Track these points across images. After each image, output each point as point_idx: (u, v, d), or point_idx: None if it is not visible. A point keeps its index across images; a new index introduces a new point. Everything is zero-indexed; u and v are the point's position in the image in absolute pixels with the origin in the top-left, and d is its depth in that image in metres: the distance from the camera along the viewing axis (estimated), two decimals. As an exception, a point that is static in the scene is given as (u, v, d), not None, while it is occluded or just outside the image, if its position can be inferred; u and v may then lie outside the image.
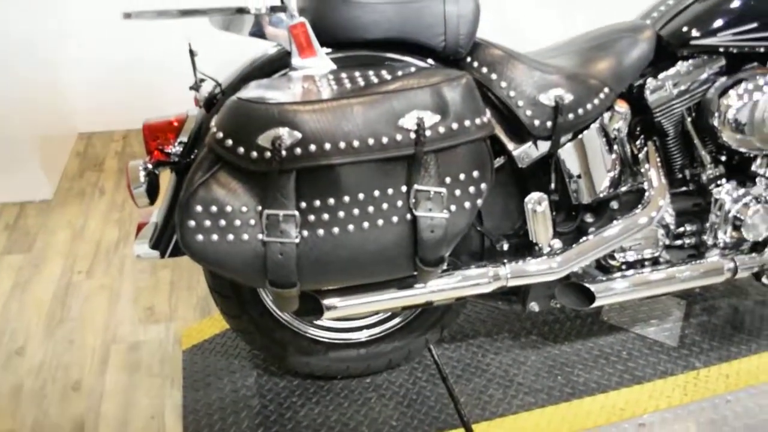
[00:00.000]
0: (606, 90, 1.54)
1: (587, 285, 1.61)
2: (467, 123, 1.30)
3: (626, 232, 1.60)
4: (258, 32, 1.46)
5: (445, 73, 1.35)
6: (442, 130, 1.28)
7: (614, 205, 1.69)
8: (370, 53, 1.48)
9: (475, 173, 1.33)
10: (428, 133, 1.27)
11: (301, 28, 1.41)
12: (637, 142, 1.70)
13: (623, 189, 1.67)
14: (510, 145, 1.54)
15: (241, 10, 1.44)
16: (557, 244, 1.62)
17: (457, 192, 1.31)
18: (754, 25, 1.60)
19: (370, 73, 1.36)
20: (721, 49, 1.63)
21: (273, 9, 1.45)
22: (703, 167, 1.74)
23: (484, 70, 1.50)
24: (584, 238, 1.61)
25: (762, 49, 1.64)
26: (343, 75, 1.35)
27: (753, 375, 1.84)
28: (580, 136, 1.59)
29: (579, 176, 1.62)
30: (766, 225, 1.73)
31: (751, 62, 1.68)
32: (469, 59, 1.51)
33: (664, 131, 1.70)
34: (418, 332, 1.74)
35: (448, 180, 1.31)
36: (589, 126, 1.58)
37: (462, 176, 1.32)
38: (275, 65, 1.48)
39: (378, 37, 1.44)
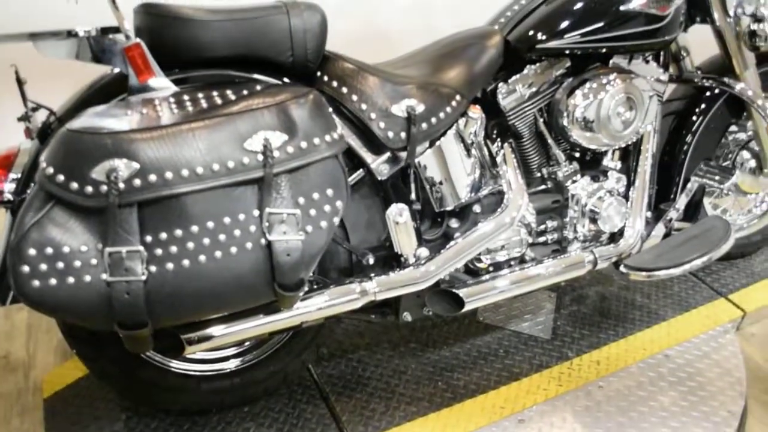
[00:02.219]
0: (458, 97, 1.56)
1: (456, 291, 1.62)
2: (317, 141, 1.27)
3: (489, 235, 1.63)
4: (91, 56, 1.37)
5: (292, 91, 1.31)
6: (291, 149, 1.25)
7: (476, 208, 1.71)
8: (216, 72, 1.42)
9: (330, 191, 1.30)
10: (276, 153, 1.23)
11: (137, 49, 1.33)
12: (495, 145, 1.73)
13: (484, 192, 1.70)
14: (367, 158, 1.53)
15: (71, 34, 1.34)
16: (424, 252, 1.62)
17: (312, 212, 1.28)
18: (595, 27, 1.67)
19: (214, 93, 1.30)
20: (567, 51, 1.69)
21: (105, 30, 1.36)
22: (558, 165, 1.80)
23: (335, 84, 1.47)
24: (450, 244, 1.62)
25: (604, 50, 1.71)
26: (186, 97, 1.29)
27: (622, 359, 1.93)
28: (437, 143, 1.60)
29: (440, 183, 1.63)
30: (620, 216, 1.81)
31: (594, 63, 1.75)
32: (319, 73, 1.48)
33: (519, 133, 1.74)
34: (294, 354, 1.69)
35: (301, 200, 1.27)
36: (445, 133, 1.60)
37: (316, 195, 1.28)
38: (113, 89, 1.39)
39: (221, 55, 1.38)
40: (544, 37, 1.66)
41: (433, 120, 1.52)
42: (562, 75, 1.73)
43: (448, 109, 1.54)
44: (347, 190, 1.32)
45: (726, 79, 1.92)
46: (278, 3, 1.42)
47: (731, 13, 1.87)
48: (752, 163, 2.19)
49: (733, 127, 2.17)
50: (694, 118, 2.07)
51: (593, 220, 1.79)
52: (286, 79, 1.45)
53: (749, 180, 2.19)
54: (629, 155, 1.90)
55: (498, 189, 1.70)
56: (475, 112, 1.62)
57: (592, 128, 1.69)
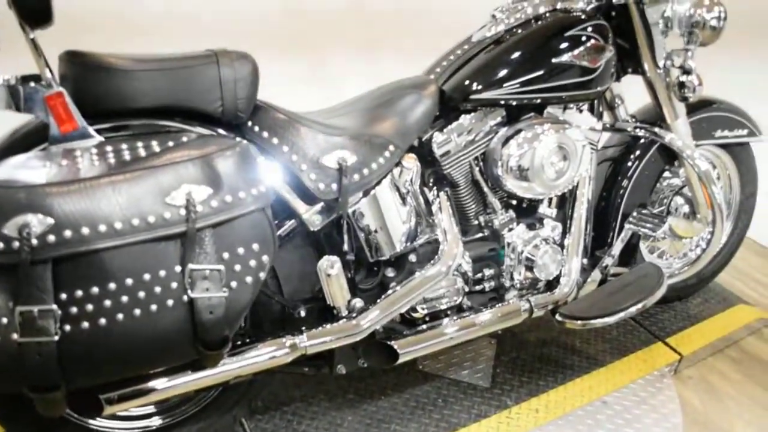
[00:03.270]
0: (391, 147, 1.56)
1: (390, 343, 1.60)
2: (242, 194, 1.25)
3: (424, 285, 1.62)
4: (10, 105, 1.32)
5: (219, 143, 1.29)
6: (215, 204, 1.22)
7: (412, 258, 1.70)
8: (144, 122, 1.39)
9: (255, 246, 1.27)
10: (200, 208, 1.20)
11: (59, 98, 1.29)
12: (431, 194, 1.74)
13: (420, 241, 1.69)
14: (300, 209, 1.51)
15: (-11, 82, 1.30)
16: (359, 303, 1.60)
17: (237, 267, 1.25)
18: (529, 78, 1.70)
19: (139, 145, 1.27)
20: (502, 102, 1.71)
21: (26, 78, 1.32)
22: (495, 213, 1.81)
23: (265, 134, 1.45)
24: (384, 295, 1.60)
25: (539, 100, 1.74)
26: (109, 148, 1.25)
27: (560, 406, 1.92)
28: (372, 192, 1.59)
29: (376, 232, 1.62)
30: (555, 264, 1.82)
31: (529, 113, 1.78)
32: (250, 123, 1.47)
33: (455, 182, 1.75)
34: (224, 409, 1.64)
35: (226, 255, 1.24)
36: (380, 182, 1.59)
37: (241, 250, 1.26)
38: (34, 139, 1.35)
39: (148, 105, 1.35)
40: (479, 88, 1.68)
41: (366, 171, 1.51)
42: (497, 124, 1.75)
43: (381, 160, 1.53)
44: (275, 244, 1.30)
45: (657, 129, 1.96)
46: (208, 52, 1.40)
47: (660, 64, 1.92)
48: (686, 209, 2.24)
49: (668, 173, 2.22)
50: (629, 164, 2.11)
51: (529, 268, 1.80)
52: (221, 130, 1.43)
53: (683, 225, 2.24)
54: (565, 203, 1.92)
55: (434, 238, 1.70)
56: (410, 161, 1.62)
57: (527, 178, 1.71)
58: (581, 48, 1.71)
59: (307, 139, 1.46)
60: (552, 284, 1.86)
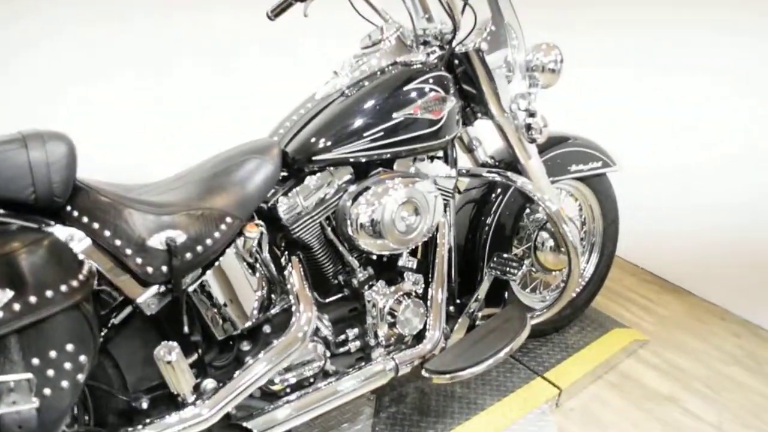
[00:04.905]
0: (228, 219, 1.49)
1: (245, 425, 1.52)
2: (49, 293, 1.15)
3: (277, 358, 1.55)
4: None
5: (23, 238, 1.19)
6: (17, 307, 1.12)
7: (267, 329, 1.63)
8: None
9: (70, 347, 1.17)
10: (0, 314, 1.09)
11: None
12: (283, 259, 1.68)
13: (274, 310, 1.63)
14: (133, 294, 1.41)
15: None
16: (210, 384, 1.52)
17: (50, 372, 1.15)
18: (372, 135, 1.67)
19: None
20: (351, 159, 1.68)
21: None
22: (353, 272, 1.77)
23: (85, 219, 1.36)
24: (235, 373, 1.53)
25: (385, 156, 1.72)
26: None
27: (441, 458, 1.89)
28: (215, 266, 1.52)
29: (225, 306, 1.55)
30: (418, 318, 1.80)
31: (376, 168, 1.76)
32: (69, 208, 1.36)
33: (308, 244, 1.70)
34: None
35: (35, 362, 1.13)
36: (222, 254, 1.52)
37: (53, 353, 1.16)
38: None
39: None
40: (321, 147, 1.64)
41: (199, 248, 1.43)
42: (346, 182, 1.72)
43: (217, 234, 1.46)
44: (95, 341, 1.21)
45: (509, 174, 1.99)
46: (16, 136, 1.29)
47: (507, 108, 1.95)
48: (552, 242, 2.27)
49: (529, 210, 2.25)
50: (491, 205, 2.13)
51: (392, 325, 1.77)
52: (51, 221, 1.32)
53: (551, 258, 2.27)
54: (427, 252, 1.91)
55: (289, 305, 1.64)
56: (252, 231, 1.56)
57: (379, 234, 1.67)
58: (421, 100, 1.71)
59: (131, 221, 1.38)
60: (419, 338, 1.83)
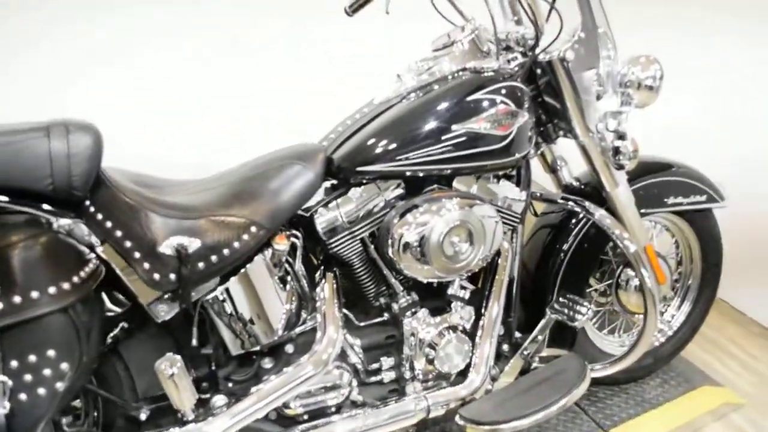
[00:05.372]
0: (253, 229, 1.37)
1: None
2: (35, 294, 1.08)
3: (294, 382, 1.42)
4: None
5: (23, 232, 1.13)
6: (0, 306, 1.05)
7: (290, 348, 1.51)
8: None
9: (52, 353, 1.09)
10: None
11: None
12: (318, 274, 1.55)
13: (299, 329, 1.50)
14: (144, 299, 1.32)
15: None
16: (220, 401, 1.41)
17: (27, 377, 1.08)
18: (427, 149, 1.50)
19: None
20: (403, 173, 1.52)
21: None
22: (395, 296, 1.61)
23: (100, 216, 1.28)
24: (250, 392, 1.41)
25: (447, 171, 1.54)
26: None
27: None
28: (244, 273, 1.41)
29: (250, 318, 1.43)
30: (462, 355, 1.61)
31: (431, 185, 1.58)
32: (87, 203, 1.29)
33: (346, 261, 1.55)
34: None
35: (14, 364, 1.06)
36: (243, 266, 1.40)
37: (33, 358, 1.08)
38: None
39: None
40: (368, 158, 1.49)
41: (214, 257, 1.32)
42: (395, 198, 1.55)
43: (237, 244, 1.34)
44: (80, 349, 1.12)
45: (587, 204, 1.75)
46: (41, 124, 1.23)
47: (593, 128, 1.71)
48: (636, 282, 2.00)
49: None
50: (567, 234, 1.89)
51: (430, 360, 1.59)
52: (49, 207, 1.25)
53: (635, 299, 2.00)
54: (485, 282, 1.71)
55: (316, 325, 1.50)
56: (281, 243, 1.43)
57: (423, 259, 1.50)
58: (487, 113, 1.51)
59: (146, 223, 1.28)
60: (461, 377, 1.64)
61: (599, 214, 1.72)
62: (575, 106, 1.67)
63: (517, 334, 1.84)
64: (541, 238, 1.97)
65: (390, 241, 1.49)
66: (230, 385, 1.48)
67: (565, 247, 1.89)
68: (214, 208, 1.37)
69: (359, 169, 1.48)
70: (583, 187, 1.92)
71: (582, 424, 2.00)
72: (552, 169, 1.94)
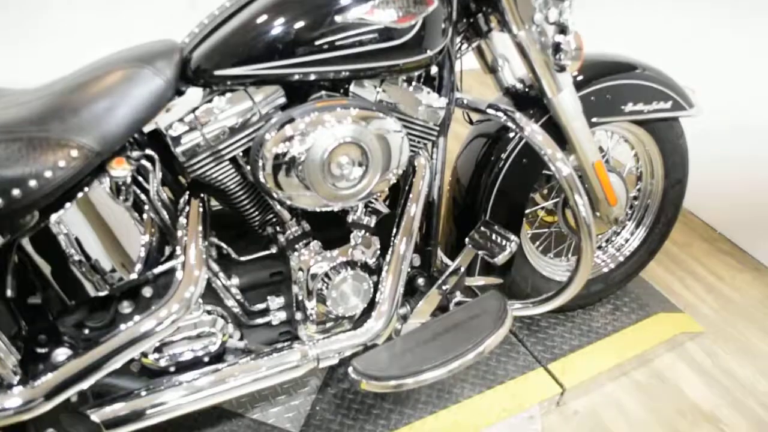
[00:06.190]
0: (74, 152, 1.08)
1: (89, 413, 1.18)
2: None
3: (145, 330, 1.18)
4: None
5: None
6: None
7: (147, 291, 1.26)
8: None
9: None
10: None
11: None
12: (181, 201, 1.28)
13: (161, 267, 1.25)
14: None
15: None
16: (61, 356, 1.18)
17: None
18: (307, 45, 1.19)
19: None
20: (278, 78, 1.21)
21: None
22: (282, 225, 1.35)
23: None
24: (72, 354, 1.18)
25: (331, 75, 1.23)
26: None
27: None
28: (87, 201, 1.14)
29: (77, 261, 1.17)
30: (359, 296, 1.37)
31: (318, 91, 1.28)
32: None
33: (217, 186, 1.28)
34: None
35: None
36: (72, 197, 1.13)
37: None
38: None
39: None
40: (231, 58, 1.18)
41: (16, 191, 1.04)
42: (273, 108, 1.25)
43: (49, 173, 1.05)
44: None
45: (518, 116, 1.45)
46: None
47: (529, 20, 1.39)
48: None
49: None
50: (504, 145, 1.61)
51: (322, 301, 1.35)
52: None
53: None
54: (398, 206, 1.45)
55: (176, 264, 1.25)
56: (118, 167, 1.15)
57: (302, 184, 1.22)
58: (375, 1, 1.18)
59: None
60: (364, 319, 1.40)
61: (530, 129, 1.43)
62: (505, -10, 1.35)
63: (447, 262, 1.61)
64: (476, 149, 1.69)
65: (261, 163, 1.20)
66: (85, 332, 1.25)
67: (500, 162, 1.62)
68: (26, 125, 1.07)
69: (219, 72, 1.18)
70: (527, 90, 1.62)
71: (518, 358, 1.80)
72: (491, 68, 1.64)
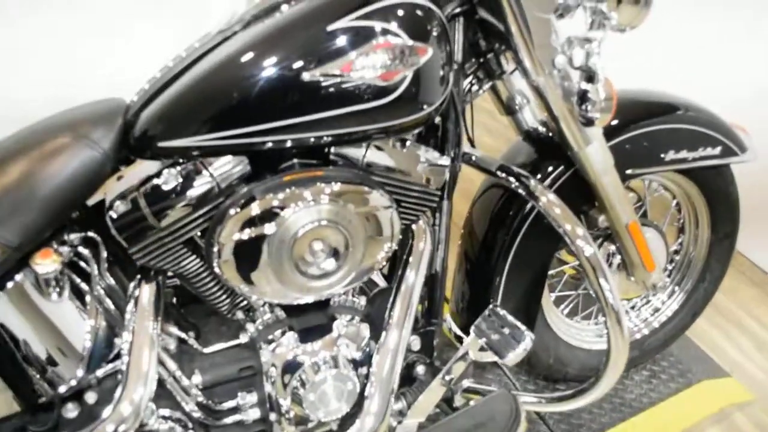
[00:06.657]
0: None
1: None
2: None
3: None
4: None
5: None
6: None
7: (90, 397, 1.07)
8: None
9: None
10: None
11: None
12: (131, 286, 1.08)
13: (106, 367, 1.06)
14: None
15: None
16: None
17: None
18: (265, 112, 0.97)
19: None
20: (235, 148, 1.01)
21: None
22: (252, 314, 1.14)
23: None
24: None
25: (310, 141, 1.02)
26: None
27: None
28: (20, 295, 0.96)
29: (27, 360, 1.00)
30: (342, 399, 1.15)
31: (289, 160, 1.06)
32: None
33: (176, 270, 1.07)
34: None
35: None
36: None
37: None
38: None
39: None
40: (178, 128, 0.97)
41: None
42: (235, 181, 1.04)
43: None
44: None
45: (532, 183, 1.23)
46: None
47: (548, 64, 1.16)
48: (619, 260, 1.50)
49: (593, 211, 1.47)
50: (522, 203, 1.38)
51: (298, 402, 1.14)
52: None
53: (616, 281, 1.51)
54: (393, 280, 1.23)
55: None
56: (43, 262, 0.95)
57: (268, 276, 1.01)
58: (356, 52, 0.96)
59: None
60: (350, 418, 1.19)
61: (546, 200, 1.20)
62: (517, 29, 1.12)
63: (457, 332, 1.39)
64: (491, 200, 1.46)
65: (216, 249, 0.99)
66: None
67: (519, 218, 1.39)
68: None
69: (164, 144, 0.97)
70: (551, 135, 1.38)
71: (539, 437, 1.57)
72: (508, 110, 1.41)
